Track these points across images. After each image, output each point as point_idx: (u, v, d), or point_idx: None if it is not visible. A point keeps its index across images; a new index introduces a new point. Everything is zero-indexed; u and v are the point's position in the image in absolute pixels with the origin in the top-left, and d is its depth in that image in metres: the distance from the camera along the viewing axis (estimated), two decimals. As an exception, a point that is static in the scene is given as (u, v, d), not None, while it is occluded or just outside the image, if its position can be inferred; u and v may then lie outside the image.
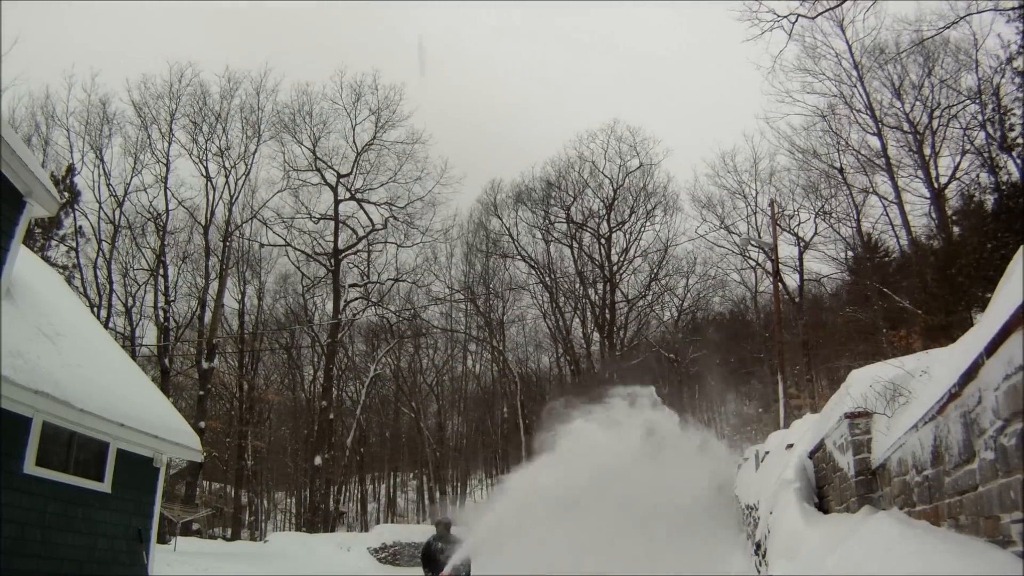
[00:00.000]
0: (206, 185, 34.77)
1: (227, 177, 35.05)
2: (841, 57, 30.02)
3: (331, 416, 35.34)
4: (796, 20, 15.58)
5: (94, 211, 33.39)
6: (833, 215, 34.35)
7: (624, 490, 11.90)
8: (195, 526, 29.27)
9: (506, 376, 45.37)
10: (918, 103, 28.68)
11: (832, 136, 32.08)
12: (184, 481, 29.76)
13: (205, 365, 32.35)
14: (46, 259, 25.76)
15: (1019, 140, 21.17)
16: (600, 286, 41.76)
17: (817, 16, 18.24)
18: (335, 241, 37.19)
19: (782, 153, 49.48)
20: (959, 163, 27.02)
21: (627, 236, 42.17)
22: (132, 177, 33.72)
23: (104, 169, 33.39)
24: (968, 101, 26.26)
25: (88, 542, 8.15)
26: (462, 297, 44.04)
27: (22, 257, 8.52)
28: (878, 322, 27.29)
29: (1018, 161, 21.97)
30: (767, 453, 14.21)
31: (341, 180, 37.70)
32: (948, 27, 19.05)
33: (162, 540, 17.96)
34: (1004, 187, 20.92)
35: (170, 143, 34.34)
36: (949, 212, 26.03)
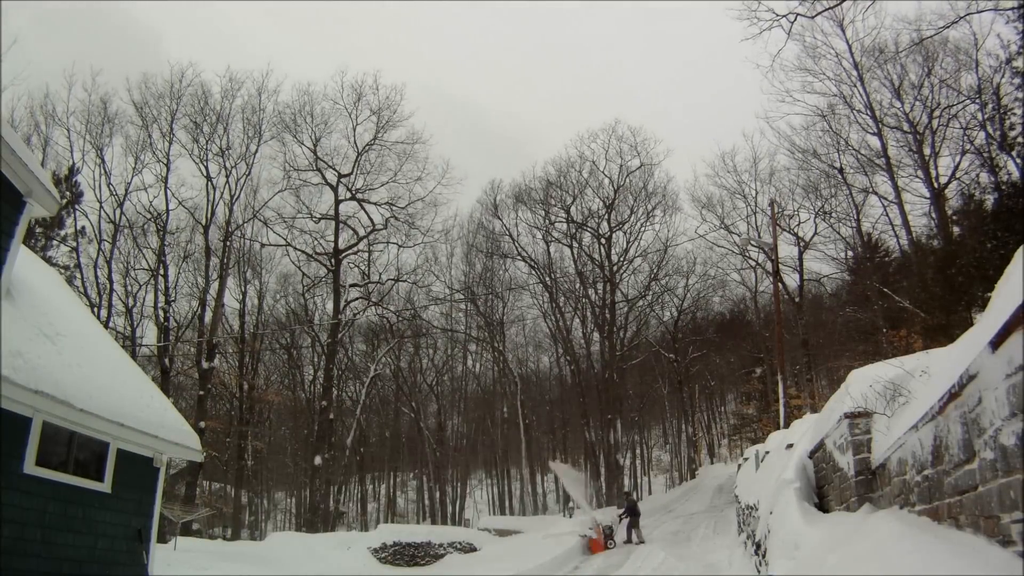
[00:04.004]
0: (207, 185, 34.74)
1: (228, 177, 35.04)
2: (841, 57, 30.01)
3: (331, 416, 35.32)
4: (795, 19, 15.51)
5: (95, 211, 33.36)
6: (833, 215, 34.40)
7: None
8: (195, 526, 29.23)
9: (506, 376, 45.39)
10: (918, 103, 28.66)
11: (832, 136, 32.11)
12: (184, 481, 29.74)
13: (205, 365, 32.34)
14: (47, 259, 25.73)
15: (1019, 140, 21.12)
16: (600, 286, 41.75)
17: (816, 15, 18.20)
18: (335, 241, 37.18)
19: (782, 153, 49.68)
20: (959, 163, 27.02)
21: (627, 236, 42.19)
22: (133, 177, 33.66)
23: (105, 169, 33.35)
24: (968, 101, 26.23)
25: (88, 542, 8.14)
26: (462, 297, 44.04)
27: (22, 257, 8.51)
28: (878, 322, 27.29)
29: (1018, 161, 21.93)
30: (767, 453, 14.23)
31: (342, 180, 37.70)
32: (948, 27, 19.04)
33: (162, 540, 17.94)
34: (1004, 187, 20.86)
35: (171, 143, 34.31)
36: (949, 212, 25.99)
